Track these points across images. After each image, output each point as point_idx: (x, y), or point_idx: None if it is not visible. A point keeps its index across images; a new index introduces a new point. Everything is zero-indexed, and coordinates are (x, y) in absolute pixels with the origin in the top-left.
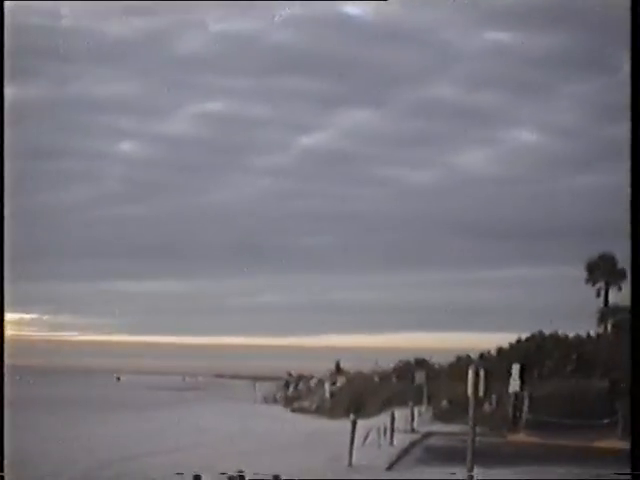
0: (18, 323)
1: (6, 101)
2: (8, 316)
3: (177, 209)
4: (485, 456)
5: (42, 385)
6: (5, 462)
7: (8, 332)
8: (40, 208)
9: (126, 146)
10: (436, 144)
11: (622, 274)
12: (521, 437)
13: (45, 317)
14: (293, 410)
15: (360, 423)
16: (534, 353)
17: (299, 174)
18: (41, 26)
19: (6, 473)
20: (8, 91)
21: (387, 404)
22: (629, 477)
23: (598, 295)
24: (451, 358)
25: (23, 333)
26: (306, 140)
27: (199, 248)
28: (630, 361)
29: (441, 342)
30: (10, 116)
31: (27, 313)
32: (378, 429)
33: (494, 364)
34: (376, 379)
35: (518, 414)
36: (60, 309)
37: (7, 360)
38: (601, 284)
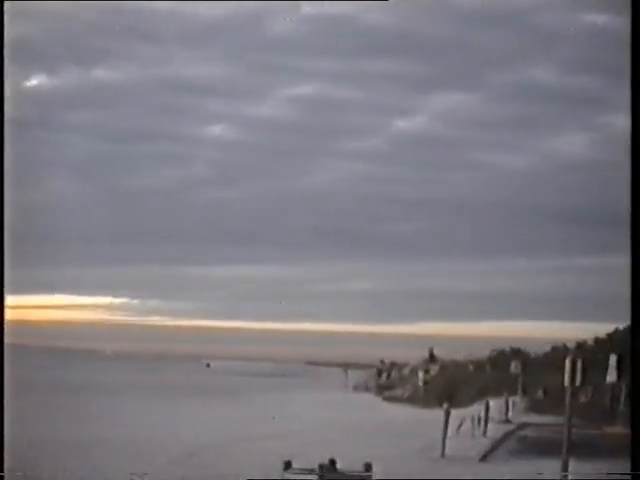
0: (108, 307)
1: (97, 83)
2: (98, 300)
3: (267, 193)
4: (581, 448)
5: (132, 370)
6: (94, 450)
7: (98, 316)
8: (129, 191)
9: (217, 129)
10: (532, 128)
11: None
12: (618, 429)
13: (134, 301)
14: (385, 399)
15: (453, 413)
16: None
17: (391, 158)
18: (134, 8)
19: (6, 473)
20: (99, 73)
21: (481, 394)
22: (629, 477)
23: None
24: (547, 348)
25: (112, 317)
26: (399, 124)
27: (289, 233)
28: (631, 362)
29: (536, 331)
30: (101, 99)
31: (116, 297)
32: (472, 419)
33: (591, 354)
34: (470, 368)
35: (615, 405)
36: (149, 293)
37: (98, 345)
38: None
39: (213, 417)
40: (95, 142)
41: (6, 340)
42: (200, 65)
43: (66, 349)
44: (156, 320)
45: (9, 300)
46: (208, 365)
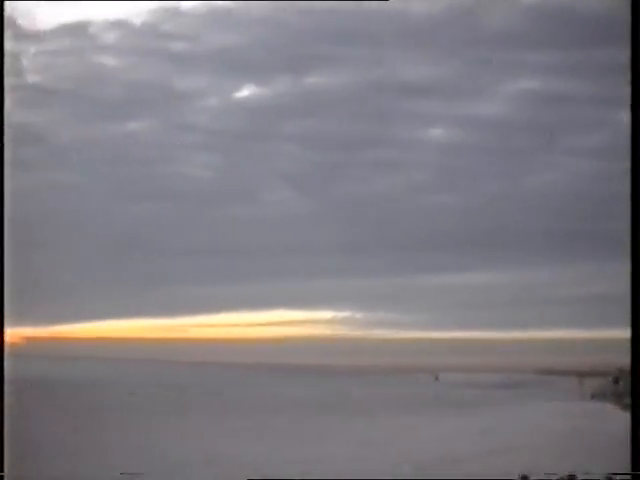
0: (330, 322)
1: (308, 91)
2: (318, 314)
3: (491, 195)
4: None
5: (360, 385)
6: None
7: (321, 331)
8: (347, 200)
9: (436, 132)
10: None
11: None
12: None
13: (358, 315)
14: (624, 407)
15: None
16: None
17: (621, 153)
18: (343, 9)
19: (6, 473)
20: (311, 80)
21: None
22: (629, 477)
23: None
24: None
25: (334, 332)
26: (626, 117)
27: (517, 236)
28: (630, 361)
29: None
30: (314, 106)
31: (339, 311)
32: None
33: None
34: None
35: None
36: (373, 306)
37: (317, 360)
38: None
39: (444, 431)
40: (310, 150)
41: (224, 359)
42: (415, 66)
43: (288, 365)
44: (381, 333)
45: (222, 318)
46: (437, 378)
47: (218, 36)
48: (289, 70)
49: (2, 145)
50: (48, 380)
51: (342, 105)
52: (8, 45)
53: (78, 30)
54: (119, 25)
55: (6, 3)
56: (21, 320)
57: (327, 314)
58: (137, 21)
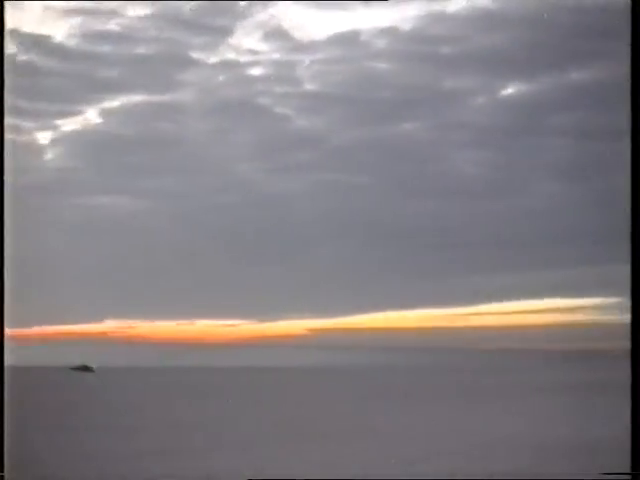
0: (599, 308)
1: (572, 85)
2: (587, 301)
3: None
4: None
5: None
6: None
7: (590, 317)
8: (616, 187)
9: None
10: None
11: None
12: None
13: (627, 300)
14: None
15: None
16: None
17: None
18: (598, 6)
19: (6, 472)
20: (573, 75)
21: None
22: (629, 477)
23: None
24: None
25: (604, 318)
26: None
27: None
28: (630, 359)
29: None
30: (577, 99)
31: (607, 297)
32: None
33: None
34: None
35: None
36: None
37: (588, 345)
38: None
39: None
40: (577, 143)
41: (502, 345)
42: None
43: (560, 350)
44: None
45: (498, 306)
46: None
47: (484, 37)
48: (553, 66)
49: (2, 145)
50: (330, 369)
51: (604, 97)
52: (284, 56)
53: (349, 38)
54: (388, 32)
55: (275, 16)
56: (301, 311)
57: (596, 300)
58: (406, 27)
